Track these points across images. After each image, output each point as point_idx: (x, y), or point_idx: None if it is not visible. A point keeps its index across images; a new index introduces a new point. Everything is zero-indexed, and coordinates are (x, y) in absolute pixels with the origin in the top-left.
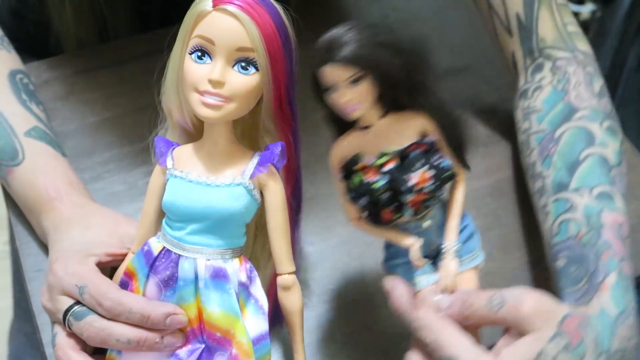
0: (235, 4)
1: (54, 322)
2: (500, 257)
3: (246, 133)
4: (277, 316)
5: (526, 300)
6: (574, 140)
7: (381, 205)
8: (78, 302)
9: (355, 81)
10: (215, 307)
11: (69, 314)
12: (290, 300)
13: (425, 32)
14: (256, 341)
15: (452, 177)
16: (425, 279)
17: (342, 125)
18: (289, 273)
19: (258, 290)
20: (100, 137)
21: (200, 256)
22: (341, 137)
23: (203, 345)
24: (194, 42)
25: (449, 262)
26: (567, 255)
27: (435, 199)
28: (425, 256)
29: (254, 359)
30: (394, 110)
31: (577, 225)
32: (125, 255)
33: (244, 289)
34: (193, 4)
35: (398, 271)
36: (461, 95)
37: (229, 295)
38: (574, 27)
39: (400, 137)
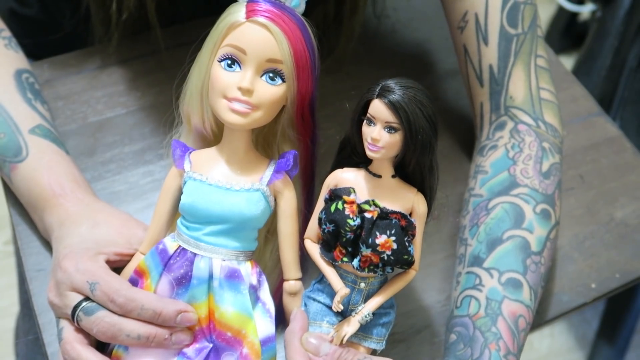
0: (268, 17)
1: (59, 318)
2: None
3: (260, 140)
4: (280, 320)
5: None
6: (503, 216)
7: (340, 242)
8: (87, 298)
9: (392, 129)
10: (229, 306)
11: (79, 309)
12: (296, 305)
13: (426, 32)
14: (263, 343)
15: (407, 263)
16: (327, 328)
17: (350, 151)
18: (296, 279)
19: (266, 294)
20: (102, 136)
21: (217, 256)
22: (350, 168)
23: (211, 345)
24: (224, 50)
25: (351, 322)
26: (459, 332)
27: (382, 270)
28: (341, 311)
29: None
30: (401, 177)
31: (477, 305)
32: (132, 256)
33: (254, 291)
34: (224, 14)
35: (311, 306)
36: (461, 95)
37: (243, 296)
38: (548, 95)
39: (392, 200)
